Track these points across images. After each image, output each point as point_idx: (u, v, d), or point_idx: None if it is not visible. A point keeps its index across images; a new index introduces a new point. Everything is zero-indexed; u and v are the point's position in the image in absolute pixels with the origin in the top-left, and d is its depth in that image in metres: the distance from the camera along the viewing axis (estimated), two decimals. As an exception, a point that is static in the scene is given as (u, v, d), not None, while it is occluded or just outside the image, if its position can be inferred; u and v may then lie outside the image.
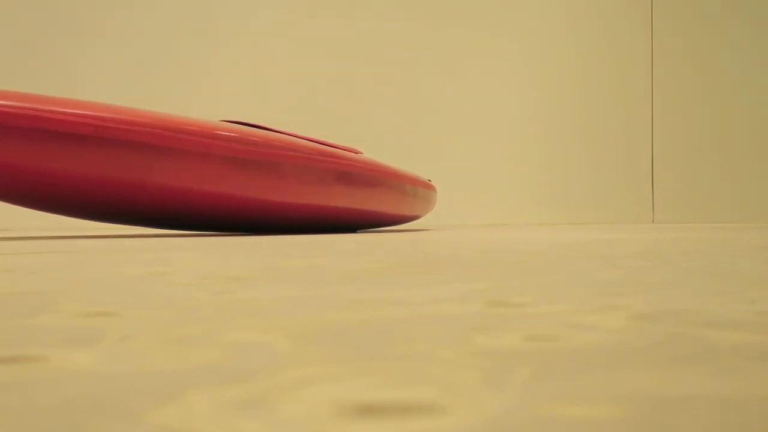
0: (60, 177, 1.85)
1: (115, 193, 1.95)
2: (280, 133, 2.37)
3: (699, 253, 1.05)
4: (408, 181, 2.89)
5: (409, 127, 4.34)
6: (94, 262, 0.88)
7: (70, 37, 3.73)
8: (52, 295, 0.53)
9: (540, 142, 4.69)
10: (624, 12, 4.92)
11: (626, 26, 4.93)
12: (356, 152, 2.65)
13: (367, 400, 0.22)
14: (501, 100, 4.60)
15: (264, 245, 1.41)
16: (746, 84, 5.04)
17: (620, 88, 4.88)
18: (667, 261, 0.86)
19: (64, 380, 0.25)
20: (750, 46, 5.05)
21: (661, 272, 0.69)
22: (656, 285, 0.57)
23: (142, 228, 2.47)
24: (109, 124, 1.89)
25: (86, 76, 3.58)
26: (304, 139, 2.44)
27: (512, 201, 4.59)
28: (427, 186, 3.17)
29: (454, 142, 4.45)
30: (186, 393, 0.23)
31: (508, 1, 4.66)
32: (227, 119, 2.35)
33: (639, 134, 4.92)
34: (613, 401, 0.22)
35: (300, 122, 4.08)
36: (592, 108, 4.81)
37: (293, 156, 2.28)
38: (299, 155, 2.30)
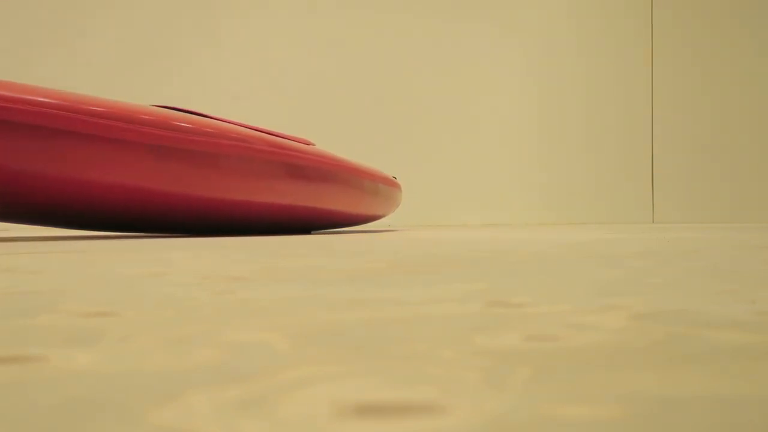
0: None
1: (6, 187, 1.66)
2: (218, 120, 2.10)
3: (699, 253, 1.05)
4: (367, 176, 2.60)
5: (409, 126, 4.34)
6: (93, 262, 0.88)
7: (62, 29, 3.73)
8: (52, 295, 0.53)
9: (540, 143, 4.69)
10: (624, 12, 4.92)
11: (626, 26, 4.93)
12: (307, 143, 2.39)
13: (367, 400, 0.22)
14: (501, 100, 4.61)
15: (264, 245, 1.41)
16: (747, 84, 5.04)
17: (620, 88, 4.88)
18: (667, 261, 0.86)
19: (64, 380, 0.25)
20: (750, 46, 5.05)
21: (661, 272, 0.69)
22: (656, 285, 0.57)
23: (53, 228, 2.15)
24: None
25: (79, 71, 3.58)
26: (247, 127, 2.18)
27: (512, 201, 4.59)
28: (391, 183, 2.87)
29: (454, 142, 4.45)
30: (186, 393, 0.23)
31: (508, 1, 4.66)
32: (160, 104, 2.09)
33: (639, 134, 4.92)
34: (613, 401, 0.22)
35: (298, 122, 4.08)
36: (592, 108, 4.81)
37: (230, 145, 2.02)
38: (237, 144, 2.04)
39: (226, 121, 2.11)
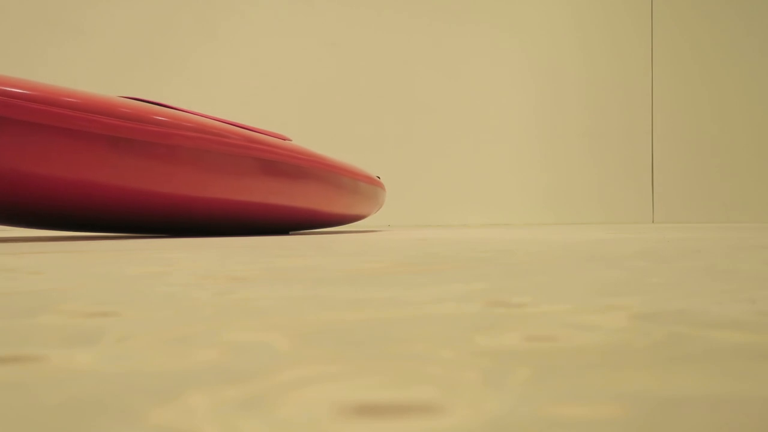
0: None
1: None
2: (186, 112, 1.96)
3: (699, 253, 1.05)
4: (346, 173, 2.45)
5: (409, 126, 4.34)
6: (93, 262, 0.88)
7: (57, 28, 3.73)
8: (52, 295, 0.53)
9: (540, 143, 4.69)
10: (624, 12, 4.92)
11: (626, 26, 4.93)
12: (282, 138, 2.26)
13: (367, 400, 0.22)
14: (501, 100, 4.61)
15: (264, 245, 1.41)
16: (747, 84, 5.04)
17: (620, 89, 4.88)
18: (667, 261, 0.86)
19: (64, 380, 0.25)
20: (750, 46, 5.05)
21: (661, 272, 0.69)
22: (656, 285, 0.57)
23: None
24: None
25: (76, 70, 3.58)
26: (218, 120, 2.03)
27: (513, 201, 4.59)
28: (373, 181, 2.72)
29: (454, 142, 4.45)
30: (186, 393, 0.23)
31: (509, 1, 4.66)
32: (126, 96, 1.94)
33: (639, 134, 4.92)
34: (613, 401, 0.22)
35: (297, 122, 4.08)
36: (592, 108, 4.81)
37: (197, 138, 1.86)
38: (205, 137, 1.88)
39: (192, 113, 1.97)
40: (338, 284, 0.58)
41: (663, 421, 0.20)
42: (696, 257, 0.94)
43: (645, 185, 4.91)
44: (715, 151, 4.99)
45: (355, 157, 4.14)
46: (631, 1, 4.95)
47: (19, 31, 3.64)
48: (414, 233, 2.36)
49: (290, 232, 2.43)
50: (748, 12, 5.05)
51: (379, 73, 4.30)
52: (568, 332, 0.34)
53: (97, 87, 2.13)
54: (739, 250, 1.11)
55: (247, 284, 0.59)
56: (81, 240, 1.72)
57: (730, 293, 0.51)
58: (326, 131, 4.13)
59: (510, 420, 0.20)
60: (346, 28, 4.25)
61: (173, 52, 3.91)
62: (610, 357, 0.29)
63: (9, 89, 1.58)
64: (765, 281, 0.61)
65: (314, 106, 4.14)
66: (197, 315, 0.41)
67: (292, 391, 0.23)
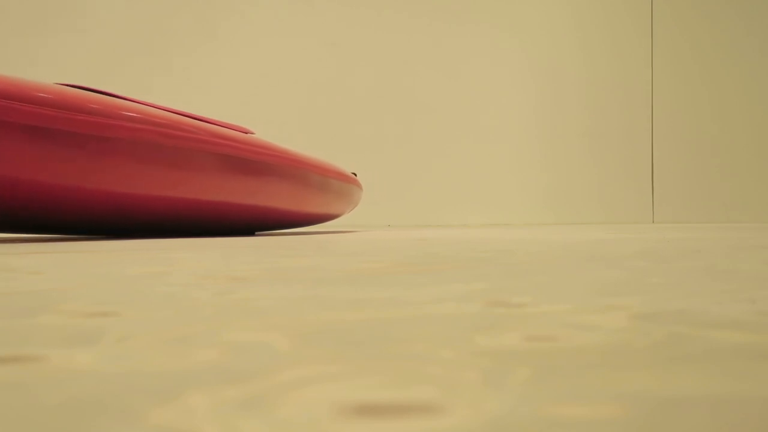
0: None
1: None
2: (129, 100, 1.78)
3: (699, 253, 1.05)
4: (315, 170, 2.28)
5: (409, 126, 4.34)
6: (94, 262, 0.88)
7: (55, 27, 3.73)
8: (52, 295, 0.53)
9: (540, 143, 4.69)
10: (624, 12, 4.92)
11: (626, 26, 4.93)
12: (245, 131, 2.09)
13: (367, 400, 0.22)
14: (501, 100, 4.61)
15: (263, 245, 1.41)
16: (747, 84, 5.04)
17: (620, 88, 4.88)
18: (667, 261, 0.86)
19: (64, 380, 0.25)
20: (750, 45, 5.05)
21: (661, 272, 0.69)
22: (656, 285, 0.57)
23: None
24: None
25: (74, 69, 3.58)
26: (169, 111, 1.86)
27: (513, 201, 4.59)
28: (346, 178, 2.54)
29: (454, 142, 4.45)
30: (186, 393, 0.23)
31: (509, 1, 4.66)
32: (67, 83, 1.77)
33: (639, 134, 4.92)
34: (613, 401, 0.22)
35: (297, 122, 4.08)
36: (592, 108, 4.81)
37: (139, 130, 1.68)
38: (148, 129, 1.70)
39: (139, 103, 1.80)
40: (338, 284, 0.58)
41: (663, 421, 0.20)
42: (696, 257, 0.94)
43: (645, 185, 4.91)
44: (715, 151, 4.99)
45: (356, 157, 4.14)
46: (631, 1, 4.95)
47: (19, 30, 3.64)
48: (414, 233, 2.36)
49: (256, 233, 2.29)
50: (748, 12, 5.05)
51: (379, 73, 4.30)
52: (568, 332, 0.34)
53: (95, 86, 2.11)
54: (739, 250, 1.10)
55: (247, 284, 0.59)
56: (81, 240, 1.72)
57: (730, 293, 0.51)
58: (326, 131, 4.13)
59: (510, 420, 0.20)
60: (346, 28, 4.25)
61: (173, 52, 3.91)
62: (610, 357, 0.29)
63: None
64: (765, 281, 0.61)
65: (314, 106, 4.14)
66: (197, 315, 0.41)
67: (292, 391, 0.23)
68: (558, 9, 4.77)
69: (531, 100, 4.68)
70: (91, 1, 3.79)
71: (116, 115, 1.66)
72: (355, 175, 2.71)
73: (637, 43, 4.94)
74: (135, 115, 1.71)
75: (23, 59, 3.52)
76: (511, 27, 4.64)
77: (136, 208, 1.77)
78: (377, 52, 4.31)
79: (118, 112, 1.68)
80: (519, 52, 4.66)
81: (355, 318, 0.40)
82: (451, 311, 0.42)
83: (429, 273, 0.70)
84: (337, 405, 0.22)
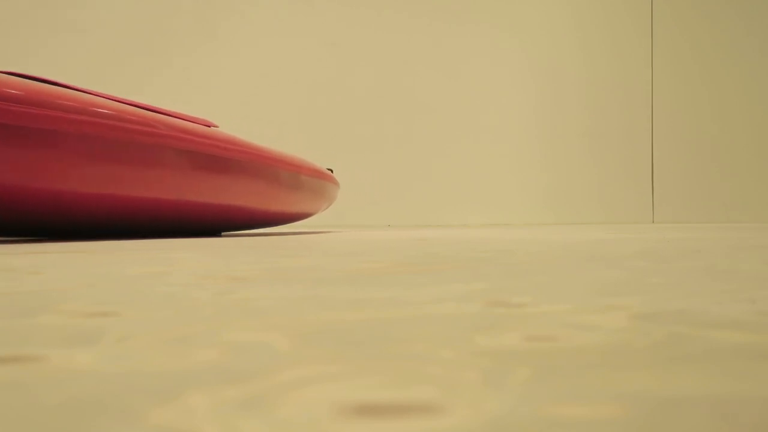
0: None
1: None
2: (76, 90, 1.64)
3: (699, 253, 1.05)
4: (284, 166, 2.13)
5: (409, 126, 4.34)
6: (94, 262, 0.88)
7: (54, 26, 3.73)
8: (52, 295, 0.53)
9: (540, 143, 4.69)
10: (624, 12, 4.92)
11: (626, 26, 4.93)
12: (208, 125, 1.95)
13: (367, 400, 0.22)
14: (501, 100, 4.61)
15: (263, 245, 1.41)
16: (747, 84, 5.04)
17: (620, 88, 4.88)
18: (667, 261, 0.86)
19: (64, 380, 0.25)
20: (750, 46, 5.05)
21: (661, 272, 0.69)
22: (656, 285, 0.57)
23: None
24: None
25: (74, 69, 3.58)
26: (123, 102, 1.71)
27: (513, 201, 4.59)
28: (319, 175, 2.38)
29: (454, 142, 4.45)
30: (186, 393, 0.23)
31: (509, 1, 4.66)
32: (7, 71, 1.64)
33: (639, 134, 4.92)
34: (613, 401, 0.22)
35: (296, 122, 4.08)
36: (592, 108, 4.81)
37: (84, 122, 1.53)
38: (95, 121, 1.56)
39: (88, 93, 1.66)
40: (338, 284, 0.58)
41: (663, 421, 0.20)
42: (696, 257, 0.94)
43: (645, 185, 4.91)
44: (715, 151, 4.99)
45: (356, 157, 4.14)
46: (631, 1, 4.95)
47: (19, 29, 3.64)
48: (414, 233, 2.36)
49: (222, 234, 2.17)
50: (748, 12, 5.05)
51: (379, 73, 4.30)
52: (568, 332, 0.34)
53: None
54: (739, 250, 1.10)
55: (247, 284, 0.59)
56: (81, 240, 1.72)
57: (730, 293, 0.51)
58: (326, 131, 4.13)
59: (510, 420, 0.20)
60: (346, 28, 4.25)
61: (173, 52, 3.91)
62: (610, 357, 0.29)
63: None
64: (765, 281, 0.61)
65: (314, 106, 4.14)
66: (197, 315, 0.41)
67: (292, 391, 0.23)
68: (558, 9, 4.77)
69: (531, 100, 4.68)
70: (91, 1, 3.79)
71: (57, 106, 1.51)
72: (332, 171, 2.57)
73: (637, 43, 4.94)
74: (79, 105, 1.56)
75: (23, 59, 3.51)
76: (511, 27, 4.64)
77: (84, 208, 1.62)
78: (377, 52, 4.30)
79: (60, 102, 1.52)
80: (519, 52, 4.66)
81: (355, 318, 0.40)
82: (451, 311, 0.42)
83: (429, 273, 0.70)
84: (337, 405, 0.22)
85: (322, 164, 2.60)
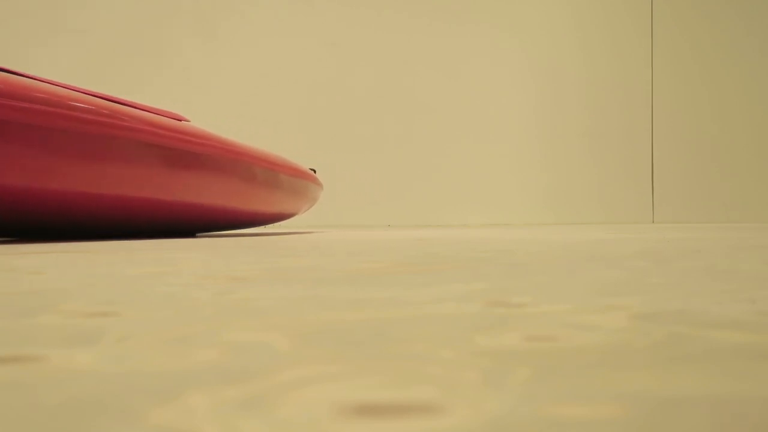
0: None
1: None
2: (28, 77, 1.52)
3: (699, 253, 1.05)
4: (261, 163, 2.01)
5: (409, 126, 4.34)
6: (94, 262, 0.88)
7: (54, 27, 3.72)
8: (52, 295, 0.53)
9: (540, 143, 4.69)
10: (624, 12, 4.92)
11: (626, 26, 4.93)
12: (179, 119, 1.85)
13: (367, 400, 0.22)
14: (501, 100, 4.60)
15: (263, 245, 1.41)
16: (747, 84, 5.04)
17: (620, 88, 4.88)
18: (667, 261, 0.86)
19: (64, 380, 0.25)
20: (750, 46, 5.05)
21: (661, 272, 0.69)
22: (656, 285, 0.57)
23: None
24: None
25: (73, 69, 3.58)
26: (84, 92, 1.60)
27: (513, 201, 4.59)
28: (300, 174, 2.27)
29: (454, 142, 4.44)
30: (186, 393, 0.23)
31: (509, 1, 4.66)
32: None
33: (639, 134, 4.92)
34: (613, 401, 0.22)
35: (296, 122, 4.08)
36: (592, 108, 4.81)
37: (37, 112, 1.41)
38: (57, 112, 1.44)
39: (46, 82, 1.55)
40: (338, 284, 0.58)
41: (663, 421, 0.20)
42: (696, 257, 0.94)
43: (645, 185, 4.91)
44: (715, 151, 4.99)
45: (356, 157, 4.14)
46: (631, 1, 4.95)
47: (19, 29, 3.64)
48: (414, 233, 2.36)
49: (197, 234, 2.07)
50: (748, 12, 5.05)
51: (379, 73, 4.30)
52: (568, 332, 0.34)
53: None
54: (739, 250, 1.10)
55: (247, 284, 0.59)
56: (81, 240, 1.72)
57: (730, 293, 0.51)
58: (326, 131, 4.13)
59: (510, 420, 0.20)
60: (346, 28, 4.25)
61: (173, 52, 3.91)
62: (610, 357, 0.29)
63: None
64: (765, 281, 0.61)
65: (314, 106, 4.14)
66: (197, 315, 0.41)
67: (292, 391, 0.23)
68: (558, 9, 4.77)
69: (531, 100, 4.67)
70: (91, 1, 3.79)
71: (9, 94, 1.40)
72: (315, 171, 2.47)
73: (637, 43, 4.94)
74: (37, 95, 1.45)
75: (23, 59, 3.51)
76: (511, 27, 4.64)
77: (44, 206, 1.52)
78: (377, 52, 4.30)
79: (10, 90, 1.41)
80: (519, 52, 4.65)
81: (355, 318, 0.40)
82: (451, 311, 0.42)
83: (429, 273, 0.70)
84: (337, 405, 0.22)
85: (321, 164, 2.59)
